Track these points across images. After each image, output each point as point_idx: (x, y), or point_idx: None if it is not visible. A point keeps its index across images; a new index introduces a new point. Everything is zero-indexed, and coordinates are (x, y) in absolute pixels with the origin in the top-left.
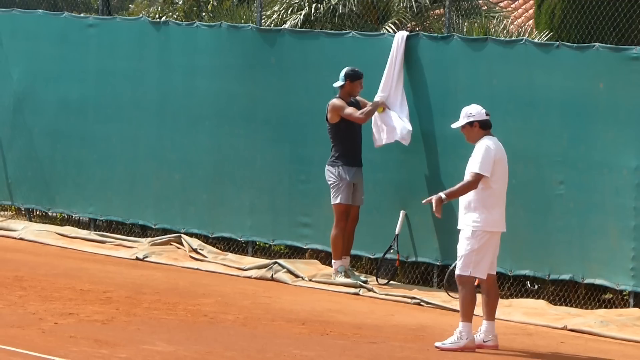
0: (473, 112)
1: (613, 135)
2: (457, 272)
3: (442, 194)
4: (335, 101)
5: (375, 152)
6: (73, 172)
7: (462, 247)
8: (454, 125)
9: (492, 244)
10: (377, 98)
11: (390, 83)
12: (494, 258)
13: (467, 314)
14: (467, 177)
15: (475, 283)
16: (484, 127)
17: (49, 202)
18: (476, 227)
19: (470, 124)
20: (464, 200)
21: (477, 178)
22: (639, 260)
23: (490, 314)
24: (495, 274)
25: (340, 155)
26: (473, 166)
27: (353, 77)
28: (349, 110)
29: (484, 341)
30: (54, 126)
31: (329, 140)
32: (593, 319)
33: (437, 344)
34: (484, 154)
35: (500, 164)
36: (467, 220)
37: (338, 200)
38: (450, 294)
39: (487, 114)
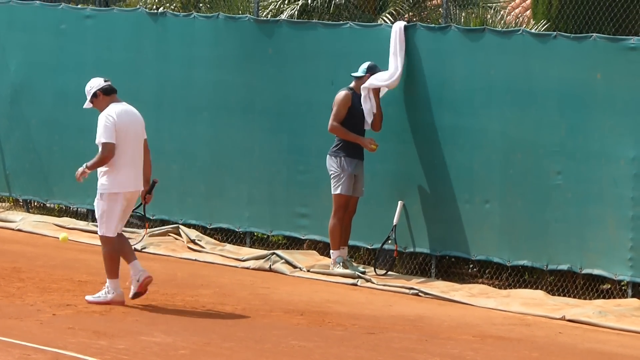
0: (93, 84)
1: (610, 125)
2: (98, 232)
3: (84, 166)
4: (340, 94)
5: None
6: (71, 163)
7: (96, 209)
8: (85, 106)
9: (121, 203)
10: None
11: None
12: (128, 215)
13: (112, 271)
14: (101, 150)
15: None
16: (107, 93)
17: (47, 193)
18: (104, 190)
19: (95, 95)
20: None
21: (108, 147)
22: (636, 250)
23: (128, 258)
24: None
25: (342, 146)
26: (98, 137)
27: (374, 71)
28: (336, 110)
29: (137, 281)
30: (52, 117)
31: (327, 130)
32: (591, 309)
33: (87, 297)
34: (103, 124)
35: (124, 128)
36: (99, 183)
37: (339, 191)
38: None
39: (106, 81)
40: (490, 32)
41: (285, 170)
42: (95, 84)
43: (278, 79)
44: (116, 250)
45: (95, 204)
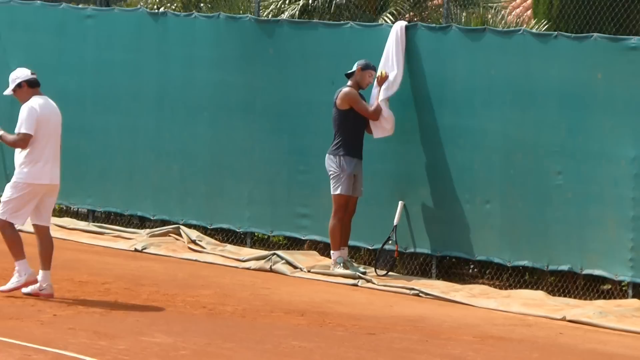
0: (19, 74)
1: (611, 125)
2: None
3: (2, 133)
4: (349, 90)
5: (373, 142)
6: (71, 164)
7: (5, 194)
8: (6, 93)
9: (34, 194)
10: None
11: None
12: (43, 210)
13: (18, 253)
14: (18, 136)
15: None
16: (31, 85)
17: None
18: (19, 179)
19: (19, 85)
20: (17, 156)
21: (25, 137)
22: (637, 250)
23: (44, 264)
24: (48, 225)
25: (342, 145)
26: (19, 126)
27: (365, 66)
28: (364, 104)
29: (39, 290)
30: None
31: (328, 130)
32: (592, 309)
33: (1, 287)
34: (27, 114)
35: (46, 121)
36: (16, 172)
37: (338, 191)
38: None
39: (33, 74)
40: (491, 32)
41: (286, 171)
42: (22, 74)
43: (279, 79)
44: (16, 234)
45: (5, 188)
